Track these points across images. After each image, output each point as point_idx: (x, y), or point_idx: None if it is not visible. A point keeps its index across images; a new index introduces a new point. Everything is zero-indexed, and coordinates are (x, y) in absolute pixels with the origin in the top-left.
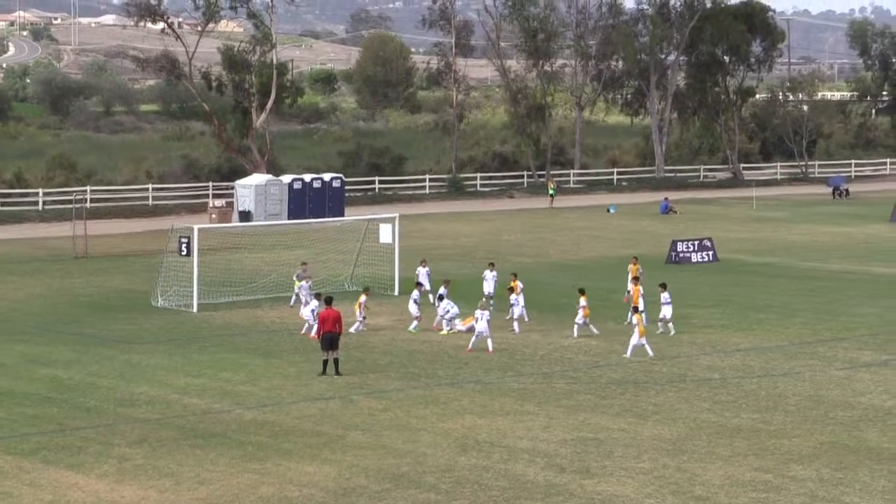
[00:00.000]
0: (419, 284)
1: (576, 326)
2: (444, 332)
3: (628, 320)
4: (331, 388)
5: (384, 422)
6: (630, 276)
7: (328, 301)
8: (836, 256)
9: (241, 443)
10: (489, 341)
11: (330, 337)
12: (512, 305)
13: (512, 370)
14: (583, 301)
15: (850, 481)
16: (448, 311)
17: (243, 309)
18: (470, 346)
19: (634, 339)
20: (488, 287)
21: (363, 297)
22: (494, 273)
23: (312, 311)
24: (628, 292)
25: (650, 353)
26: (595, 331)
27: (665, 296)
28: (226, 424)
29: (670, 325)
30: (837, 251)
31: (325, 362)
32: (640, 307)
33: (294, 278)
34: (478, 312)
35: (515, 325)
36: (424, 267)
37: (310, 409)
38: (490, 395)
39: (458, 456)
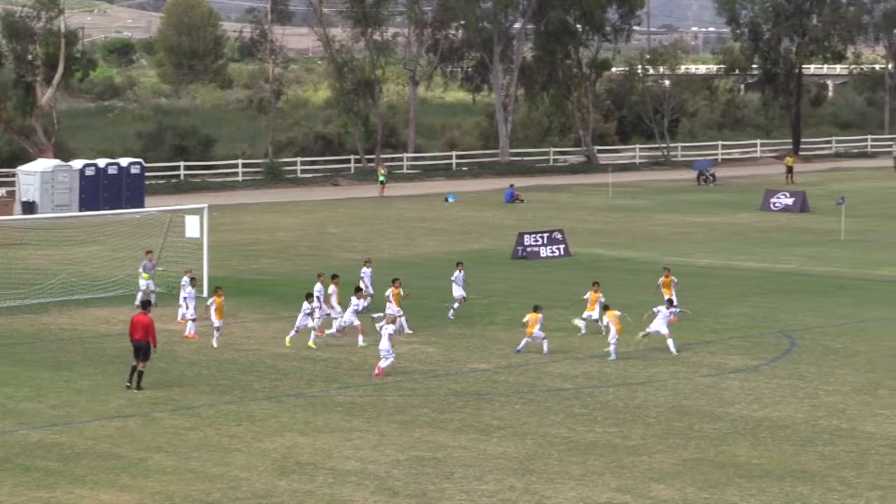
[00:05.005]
0: (358, 290)
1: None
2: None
3: (599, 319)
4: (130, 404)
5: (192, 442)
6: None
7: (144, 305)
8: (702, 250)
9: (25, 468)
10: (388, 360)
11: (137, 346)
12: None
13: (338, 381)
14: (526, 317)
15: (717, 501)
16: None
17: (27, 314)
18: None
19: (613, 338)
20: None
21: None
22: (461, 273)
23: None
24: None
25: (613, 355)
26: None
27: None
28: (7, 447)
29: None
30: (703, 244)
31: (134, 369)
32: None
33: (140, 270)
34: (386, 326)
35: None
36: (369, 268)
37: (106, 428)
38: (313, 411)
39: (278, 479)
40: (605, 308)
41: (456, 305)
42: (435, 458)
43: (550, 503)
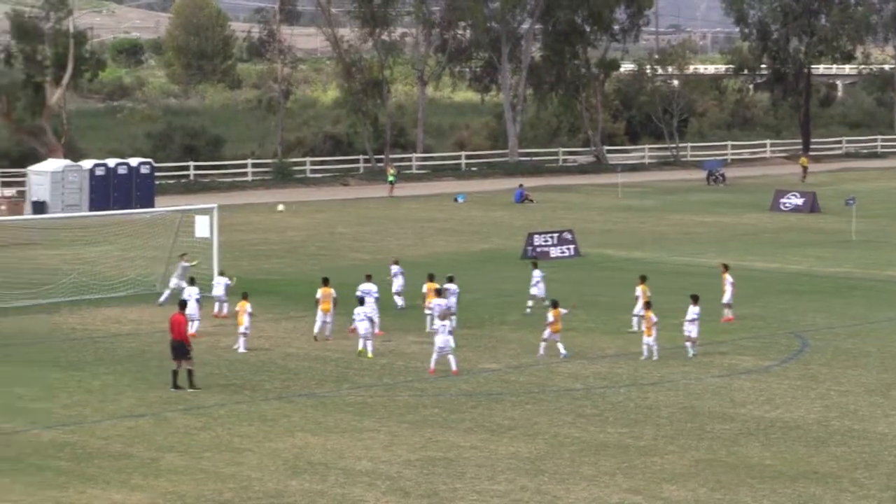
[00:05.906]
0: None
1: (542, 344)
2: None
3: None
4: (141, 404)
5: (203, 442)
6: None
7: (182, 305)
8: (712, 250)
9: (38, 468)
10: (451, 358)
11: (174, 345)
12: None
13: (349, 381)
14: (550, 316)
15: (729, 502)
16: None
17: (39, 314)
18: (432, 364)
19: (651, 340)
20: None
21: (247, 305)
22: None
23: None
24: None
25: (646, 354)
26: (564, 352)
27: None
28: (19, 447)
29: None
30: (713, 244)
31: (176, 374)
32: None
33: (175, 274)
34: (437, 324)
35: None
36: (398, 266)
37: (117, 428)
38: (324, 410)
39: (289, 479)
40: (647, 305)
41: (530, 303)
42: (446, 458)
43: (562, 503)
